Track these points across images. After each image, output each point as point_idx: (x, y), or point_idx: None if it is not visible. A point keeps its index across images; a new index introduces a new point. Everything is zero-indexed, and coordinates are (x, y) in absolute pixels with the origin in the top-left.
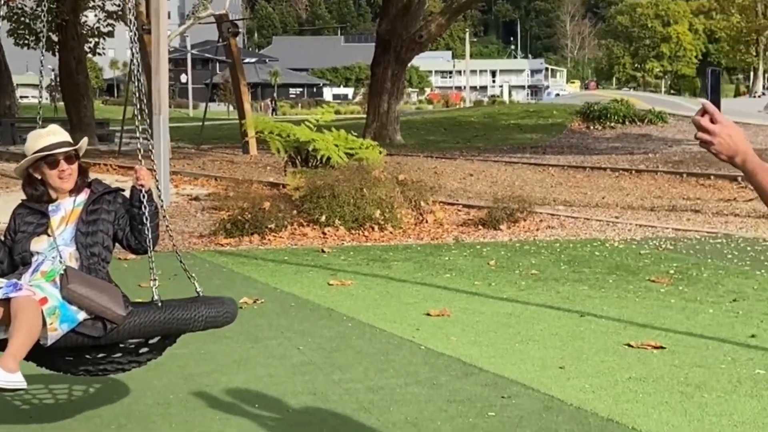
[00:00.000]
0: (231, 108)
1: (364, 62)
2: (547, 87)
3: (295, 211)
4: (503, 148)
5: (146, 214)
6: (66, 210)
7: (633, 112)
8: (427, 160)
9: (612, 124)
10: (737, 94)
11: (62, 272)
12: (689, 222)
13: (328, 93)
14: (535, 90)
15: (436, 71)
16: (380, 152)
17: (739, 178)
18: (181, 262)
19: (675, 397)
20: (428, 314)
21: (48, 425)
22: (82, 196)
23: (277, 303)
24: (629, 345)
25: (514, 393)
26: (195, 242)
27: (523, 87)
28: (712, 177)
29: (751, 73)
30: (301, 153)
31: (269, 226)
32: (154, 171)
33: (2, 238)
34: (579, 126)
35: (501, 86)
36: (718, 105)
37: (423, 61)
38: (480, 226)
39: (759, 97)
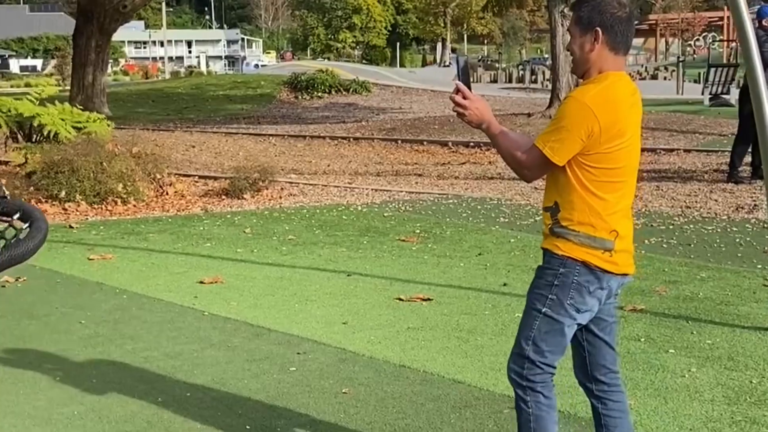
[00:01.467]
0: None
1: (52, 33)
2: (244, 58)
3: (32, 188)
4: (216, 119)
5: None
6: None
7: (339, 82)
8: (144, 132)
9: (319, 94)
10: (424, 63)
11: None
12: (418, 185)
13: (14, 64)
14: (232, 60)
15: (129, 41)
16: (108, 125)
17: (450, 143)
18: None
19: (453, 342)
20: (201, 282)
21: None
22: None
23: (42, 280)
24: (400, 299)
25: (308, 349)
26: None
27: (220, 57)
28: (425, 143)
29: (439, 44)
30: (24, 128)
31: None
32: None
33: None
34: (288, 96)
35: (198, 57)
36: (468, 85)
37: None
38: (224, 196)
39: (447, 66)
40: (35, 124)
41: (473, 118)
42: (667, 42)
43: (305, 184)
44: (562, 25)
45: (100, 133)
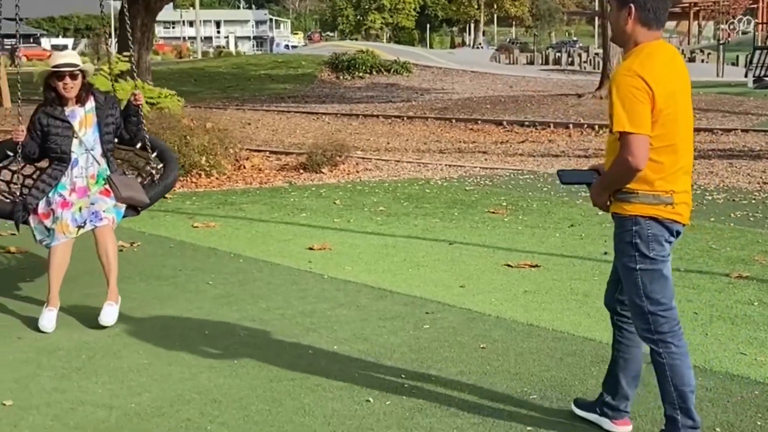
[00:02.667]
0: None
1: (81, 11)
2: (273, 38)
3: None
4: (261, 97)
5: (140, 119)
6: (80, 116)
7: (379, 62)
8: (196, 110)
9: (360, 74)
10: (452, 45)
11: (106, 178)
12: (488, 161)
13: (46, 43)
14: (260, 41)
15: (158, 21)
16: (178, 101)
17: (504, 122)
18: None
19: (572, 304)
20: (311, 248)
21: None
22: (90, 104)
23: (155, 245)
24: (509, 265)
25: (434, 309)
26: None
27: (248, 38)
28: (479, 122)
29: (472, 26)
30: None
31: None
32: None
33: (31, 135)
34: (329, 76)
35: (227, 37)
36: (578, 180)
37: None
38: (301, 171)
39: (480, 48)
40: None
41: (599, 200)
42: (699, 25)
43: (377, 159)
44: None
45: (172, 109)
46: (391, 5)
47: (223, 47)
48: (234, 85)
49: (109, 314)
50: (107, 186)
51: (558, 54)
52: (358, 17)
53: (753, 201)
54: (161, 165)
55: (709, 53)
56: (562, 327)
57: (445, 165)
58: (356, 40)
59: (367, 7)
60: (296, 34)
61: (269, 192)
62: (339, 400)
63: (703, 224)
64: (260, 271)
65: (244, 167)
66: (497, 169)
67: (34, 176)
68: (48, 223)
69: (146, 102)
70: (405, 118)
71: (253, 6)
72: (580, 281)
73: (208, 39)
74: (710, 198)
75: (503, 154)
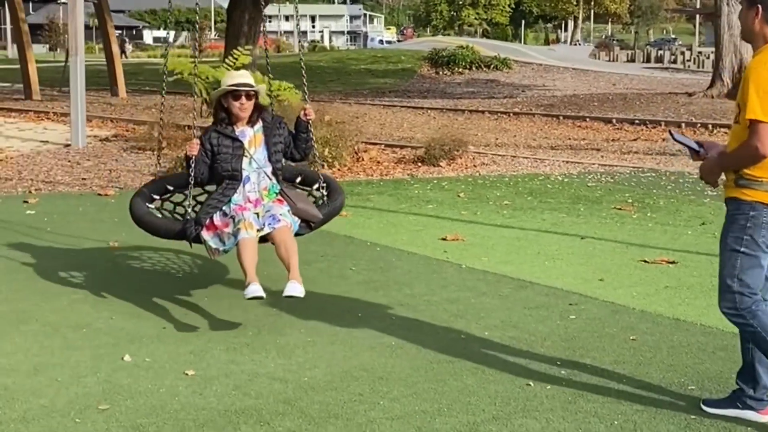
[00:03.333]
0: (57, 50)
1: (182, 4)
2: (366, 33)
3: None
4: (363, 91)
5: (309, 136)
6: (249, 136)
7: (479, 58)
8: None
9: (460, 70)
10: (546, 42)
11: (278, 191)
12: (605, 158)
13: (148, 36)
14: (354, 36)
15: None
16: (296, 93)
17: (614, 120)
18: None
19: (716, 300)
20: (444, 239)
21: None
22: (258, 125)
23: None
24: (645, 261)
25: (577, 301)
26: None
27: (342, 33)
28: (587, 119)
29: (571, 23)
30: None
31: None
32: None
33: (200, 156)
34: (428, 71)
35: (321, 32)
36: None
37: None
38: (419, 164)
39: (578, 44)
40: None
41: (711, 177)
42: None
43: (493, 154)
44: (727, 4)
45: (292, 101)
46: (486, 1)
47: (318, 42)
48: (335, 79)
49: (295, 288)
50: (280, 197)
51: (660, 52)
52: (452, 13)
53: None
54: (327, 190)
55: None
56: (709, 322)
57: (563, 161)
58: (448, 35)
59: (461, 2)
60: (389, 29)
61: (392, 184)
62: (500, 383)
63: None
64: (399, 259)
65: (363, 159)
66: (616, 166)
67: (201, 198)
68: (228, 230)
69: (267, 94)
70: (511, 114)
71: (348, 1)
72: None
73: (303, 33)
74: None
75: (618, 151)
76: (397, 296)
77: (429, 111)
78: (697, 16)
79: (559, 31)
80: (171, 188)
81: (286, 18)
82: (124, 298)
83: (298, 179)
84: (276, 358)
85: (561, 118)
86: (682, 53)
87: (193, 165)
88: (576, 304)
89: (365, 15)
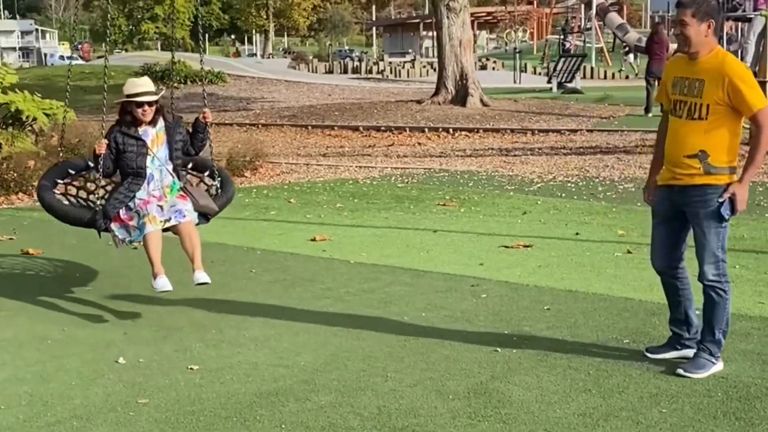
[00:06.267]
0: None
1: None
2: (39, 49)
3: None
4: (83, 109)
5: (207, 135)
6: (152, 135)
7: (193, 72)
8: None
9: (176, 85)
10: (226, 54)
11: (181, 188)
12: (392, 161)
13: None
14: (26, 52)
15: None
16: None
17: (361, 128)
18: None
19: (590, 275)
20: (314, 240)
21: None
22: (160, 124)
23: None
24: (506, 246)
25: (477, 283)
26: None
27: (14, 49)
28: (335, 128)
29: (256, 36)
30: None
31: None
32: None
33: (107, 152)
34: None
35: None
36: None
37: None
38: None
39: (271, 57)
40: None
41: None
42: (475, 35)
43: (287, 163)
44: (448, 17)
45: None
46: (165, 14)
47: None
48: (48, 97)
49: (204, 276)
50: (182, 193)
51: (356, 63)
52: (131, 27)
53: None
54: (218, 180)
55: (494, 61)
56: (598, 291)
57: (357, 166)
58: (126, 50)
59: (140, 16)
60: (63, 44)
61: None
62: (472, 351)
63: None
64: (287, 260)
65: None
66: (408, 168)
67: (108, 188)
68: (133, 223)
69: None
70: (260, 126)
71: (17, 16)
72: (575, 257)
73: None
74: (622, 188)
75: (393, 156)
76: (316, 290)
77: None
78: (374, 29)
79: (237, 43)
80: (72, 172)
81: None
82: (53, 307)
83: (190, 165)
84: (259, 348)
85: (310, 127)
86: (376, 64)
87: (101, 161)
88: (477, 285)
89: (37, 30)
